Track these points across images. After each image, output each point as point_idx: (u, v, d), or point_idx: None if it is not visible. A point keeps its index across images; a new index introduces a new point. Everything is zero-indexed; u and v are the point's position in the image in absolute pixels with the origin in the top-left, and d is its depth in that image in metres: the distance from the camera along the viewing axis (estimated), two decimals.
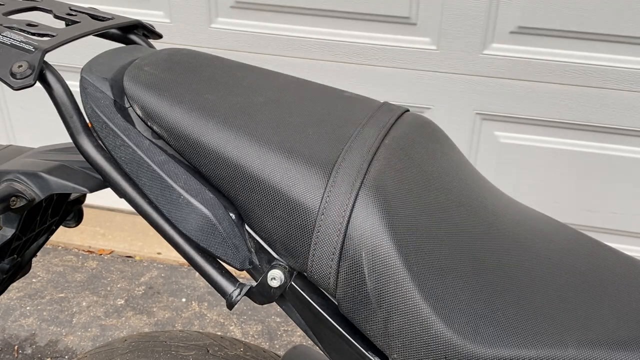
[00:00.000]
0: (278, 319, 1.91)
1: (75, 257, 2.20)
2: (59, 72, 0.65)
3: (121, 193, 0.67)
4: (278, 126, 0.63)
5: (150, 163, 0.64)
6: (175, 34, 1.96)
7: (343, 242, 0.60)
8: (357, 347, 0.61)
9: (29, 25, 0.67)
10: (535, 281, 0.61)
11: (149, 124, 0.65)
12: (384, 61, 1.85)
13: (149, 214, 0.67)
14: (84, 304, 1.98)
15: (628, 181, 1.84)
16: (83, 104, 0.66)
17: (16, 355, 1.78)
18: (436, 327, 0.56)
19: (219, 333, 1.48)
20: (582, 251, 0.68)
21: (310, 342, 0.71)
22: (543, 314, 0.58)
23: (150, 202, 0.66)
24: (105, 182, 0.68)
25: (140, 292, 2.04)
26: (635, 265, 0.67)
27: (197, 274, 0.74)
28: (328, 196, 0.59)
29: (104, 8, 0.83)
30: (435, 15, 1.78)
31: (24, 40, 0.62)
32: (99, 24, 0.70)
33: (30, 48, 0.62)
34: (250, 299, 0.66)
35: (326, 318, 0.63)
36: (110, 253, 2.22)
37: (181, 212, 0.63)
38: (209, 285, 0.67)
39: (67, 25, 0.73)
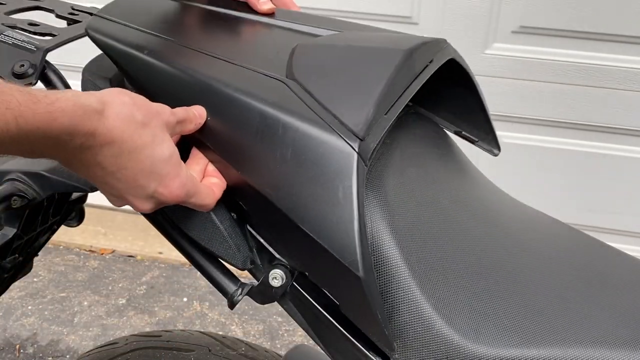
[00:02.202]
0: (279, 319, 1.92)
1: (76, 256, 2.21)
2: (60, 71, 0.65)
3: None
4: None
5: None
6: None
7: None
8: (359, 347, 0.61)
9: (31, 24, 0.67)
10: (536, 281, 0.61)
11: None
12: None
13: (150, 214, 0.67)
14: (85, 303, 1.98)
15: (630, 181, 1.84)
16: None
17: (18, 355, 1.78)
18: (437, 327, 0.56)
19: (221, 333, 1.48)
20: (583, 251, 0.68)
21: (311, 341, 0.71)
22: (544, 313, 0.58)
23: None
24: None
25: (142, 292, 2.04)
26: (636, 264, 0.67)
27: (198, 273, 0.74)
28: None
29: None
30: (437, 14, 1.78)
31: (26, 39, 0.62)
32: None
33: (32, 47, 0.62)
34: (252, 298, 0.66)
35: (327, 318, 0.63)
36: (111, 252, 2.22)
37: (183, 212, 0.63)
38: (211, 284, 0.67)
39: (68, 24, 0.73)
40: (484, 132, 0.78)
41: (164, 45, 0.63)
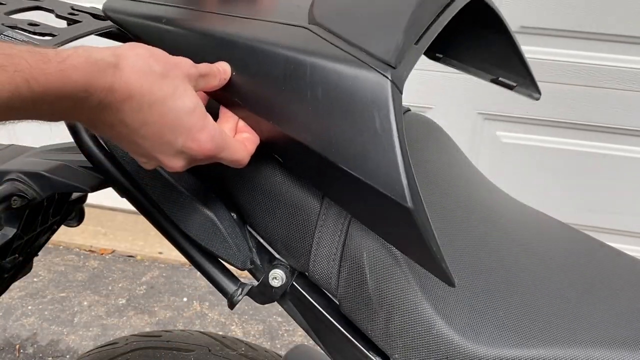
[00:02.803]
0: (279, 319, 1.91)
1: (76, 256, 2.21)
2: None
3: (123, 192, 0.68)
4: None
5: None
6: None
7: (344, 242, 0.60)
8: (359, 347, 0.61)
9: (31, 24, 0.67)
10: (536, 281, 0.61)
11: None
12: None
13: (150, 214, 0.67)
14: (85, 303, 1.98)
15: (630, 181, 1.84)
16: None
17: (17, 355, 1.78)
18: (437, 327, 0.56)
19: (221, 333, 1.48)
20: (583, 251, 0.68)
21: (311, 341, 0.71)
22: (544, 313, 0.58)
23: (152, 202, 0.66)
24: (106, 181, 0.68)
25: (142, 292, 2.04)
26: (636, 264, 0.67)
27: (198, 273, 0.74)
28: None
29: None
30: None
31: (26, 39, 0.62)
32: (100, 24, 0.70)
33: None
34: (252, 298, 0.66)
35: (327, 318, 0.63)
36: (111, 252, 2.22)
37: (183, 212, 0.63)
38: (211, 284, 0.68)
39: (68, 24, 0.73)
40: (521, 77, 0.75)
41: (180, 13, 0.63)
